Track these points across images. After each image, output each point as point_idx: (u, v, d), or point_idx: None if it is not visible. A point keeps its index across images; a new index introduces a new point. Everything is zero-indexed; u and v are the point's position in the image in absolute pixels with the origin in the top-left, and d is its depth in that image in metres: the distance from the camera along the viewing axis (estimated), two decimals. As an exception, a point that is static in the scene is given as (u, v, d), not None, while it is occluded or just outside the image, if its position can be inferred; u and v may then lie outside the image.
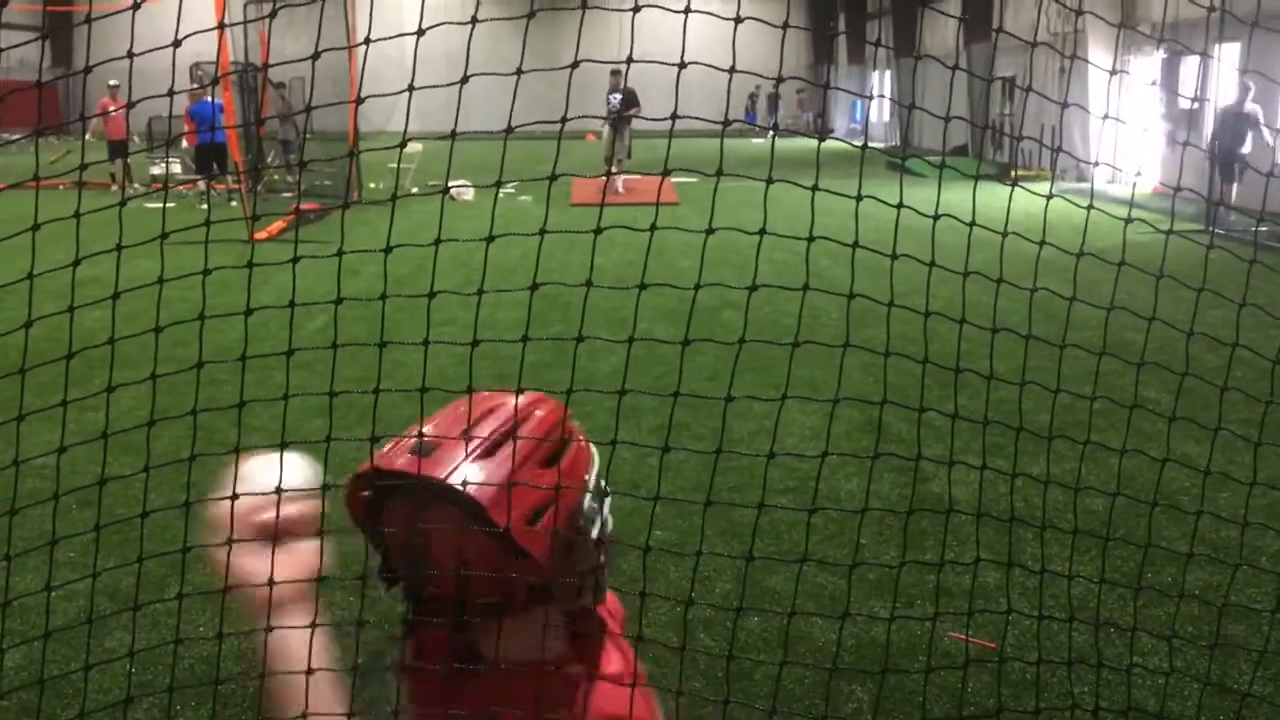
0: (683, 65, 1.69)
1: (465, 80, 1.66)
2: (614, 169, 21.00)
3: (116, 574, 4.49)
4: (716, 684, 3.79)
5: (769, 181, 2.09)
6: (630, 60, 1.69)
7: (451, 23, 1.63)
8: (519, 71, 1.65)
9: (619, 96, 21.07)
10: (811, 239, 1.97)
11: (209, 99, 18.04)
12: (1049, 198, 2.54)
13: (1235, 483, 4.15)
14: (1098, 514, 5.13)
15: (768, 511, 5.35)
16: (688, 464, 5.87)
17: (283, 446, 2.17)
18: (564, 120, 1.70)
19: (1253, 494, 4.58)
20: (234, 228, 12.49)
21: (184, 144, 19.29)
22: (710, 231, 1.82)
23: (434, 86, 1.78)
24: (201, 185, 20.06)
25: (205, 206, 17.21)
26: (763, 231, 1.85)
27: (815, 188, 1.95)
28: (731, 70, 1.77)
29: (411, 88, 1.77)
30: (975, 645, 4.04)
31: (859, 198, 2.07)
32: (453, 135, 1.81)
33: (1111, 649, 4.02)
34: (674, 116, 1.76)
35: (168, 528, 4.87)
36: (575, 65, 1.66)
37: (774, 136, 2.44)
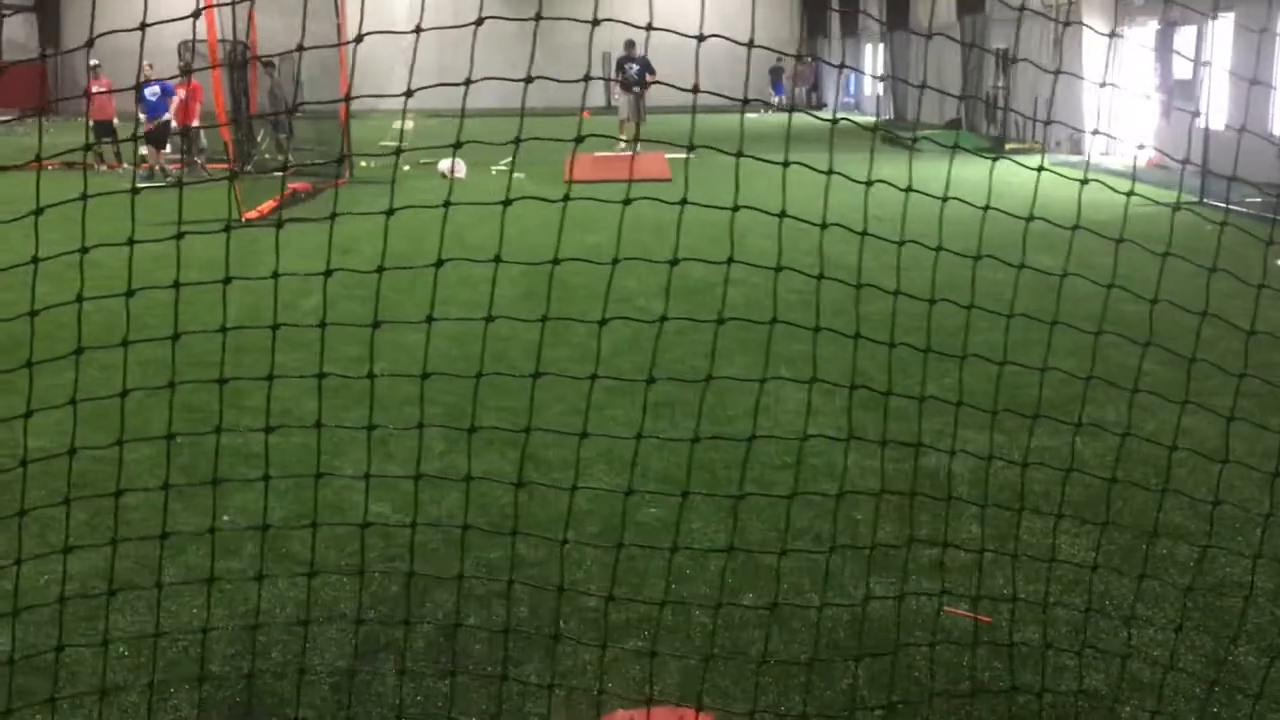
0: (655, 28, 1.67)
1: (414, 43, 1.64)
2: (628, 138, 21.01)
3: (110, 555, 4.49)
4: (711, 660, 3.79)
5: (739, 156, 2.07)
6: (599, 19, 1.67)
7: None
8: (475, 24, 1.63)
9: (635, 68, 21.16)
10: (783, 216, 1.95)
11: (155, 80, 18.35)
12: (1040, 170, 2.52)
13: (1231, 451, 4.18)
14: (1094, 487, 5.13)
15: (764, 487, 5.35)
16: (682, 441, 5.87)
17: (267, 429, 2.15)
18: (527, 78, 1.69)
19: (1244, 468, 4.58)
20: (223, 207, 12.40)
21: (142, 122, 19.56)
22: (682, 203, 1.81)
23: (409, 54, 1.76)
24: (187, 166, 19.98)
25: (209, 186, 17.14)
26: (736, 207, 1.84)
27: (785, 163, 1.93)
28: (696, 35, 1.75)
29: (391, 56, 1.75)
30: (972, 619, 4.05)
31: (829, 172, 2.05)
32: (421, 111, 1.79)
33: (1108, 622, 4.03)
34: (647, 83, 1.74)
35: (159, 509, 4.86)
36: (553, 26, 1.63)
37: (763, 113, 2.42)
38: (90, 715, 3.46)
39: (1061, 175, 3.12)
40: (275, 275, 2.75)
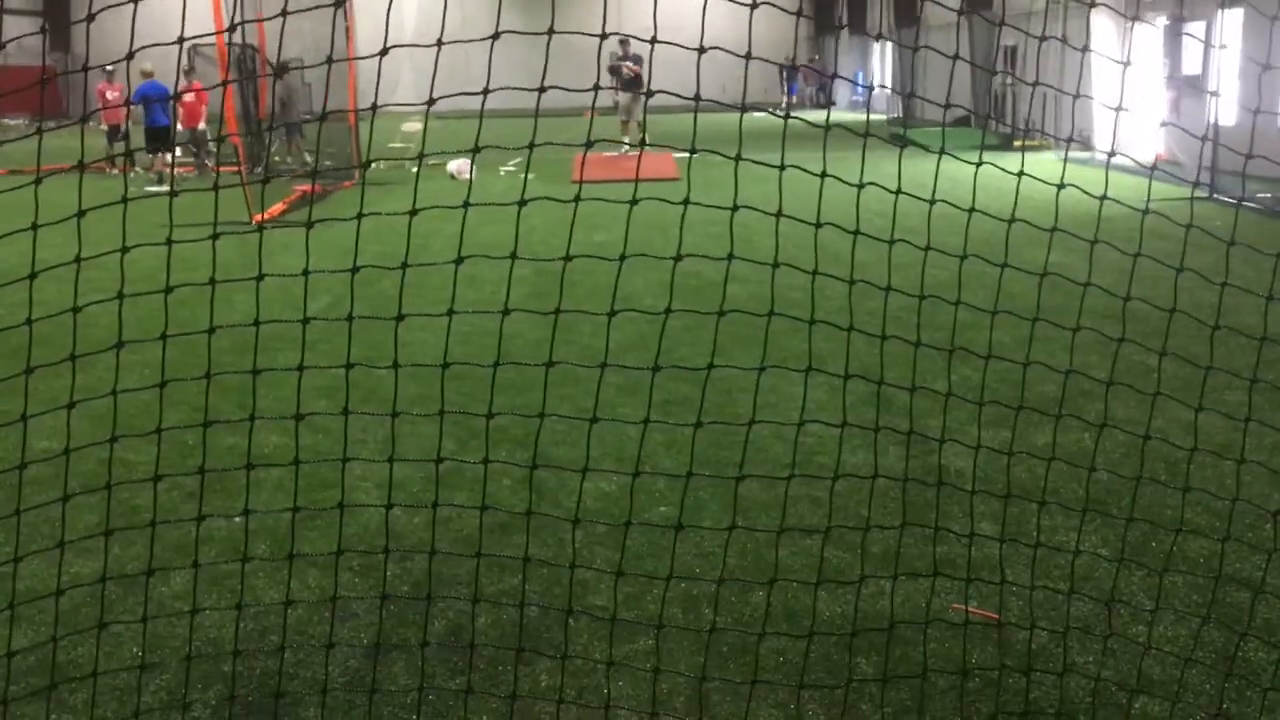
0: (653, 41, 1.68)
1: (389, 48, 1.65)
2: (631, 138, 20.98)
3: (122, 558, 4.52)
4: (722, 659, 3.80)
5: (695, 152, 2.08)
6: (605, 21, 1.68)
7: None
8: (491, 39, 1.64)
9: (629, 64, 21.12)
10: (736, 207, 1.96)
11: (155, 80, 18.44)
12: (1019, 175, 2.52)
13: (1237, 447, 4.18)
14: (1102, 483, 5.13)
15: (772, 485, 5.35)
16: (686, 425, 5.87)
17: (253, 417, 2.15)
18: (531, 86, 1.70)
19: (1247, 467, 4.58)
20: (232, 210, 12.46)
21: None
22: (666, 203, 1.82)
23: (369, 56, 1.77)
24: (198, 170, 20.07)
25: (211, 190, 17.24)
26: (735, 207, 1.85)
27: (781, 166, 1.95)
28: (697, 47, 1.76)
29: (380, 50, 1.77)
30: (979, 616, 4.05)
31: (823, 175, 2.06)
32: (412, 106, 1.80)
33: (1118, 619, 4.03)
34: (636, 73, 1.75)
35: (173, 510, 4.89)
36: (560, 25, 1.65)
37: (771, 112, 2.43)
38: (102, 715, 3.48)
39: (1034, 179, 3.13)
40: (259, 277, 2.77)
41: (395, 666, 3.76)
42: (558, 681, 3.63)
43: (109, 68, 20.02)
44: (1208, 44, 17.73)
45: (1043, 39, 3.17)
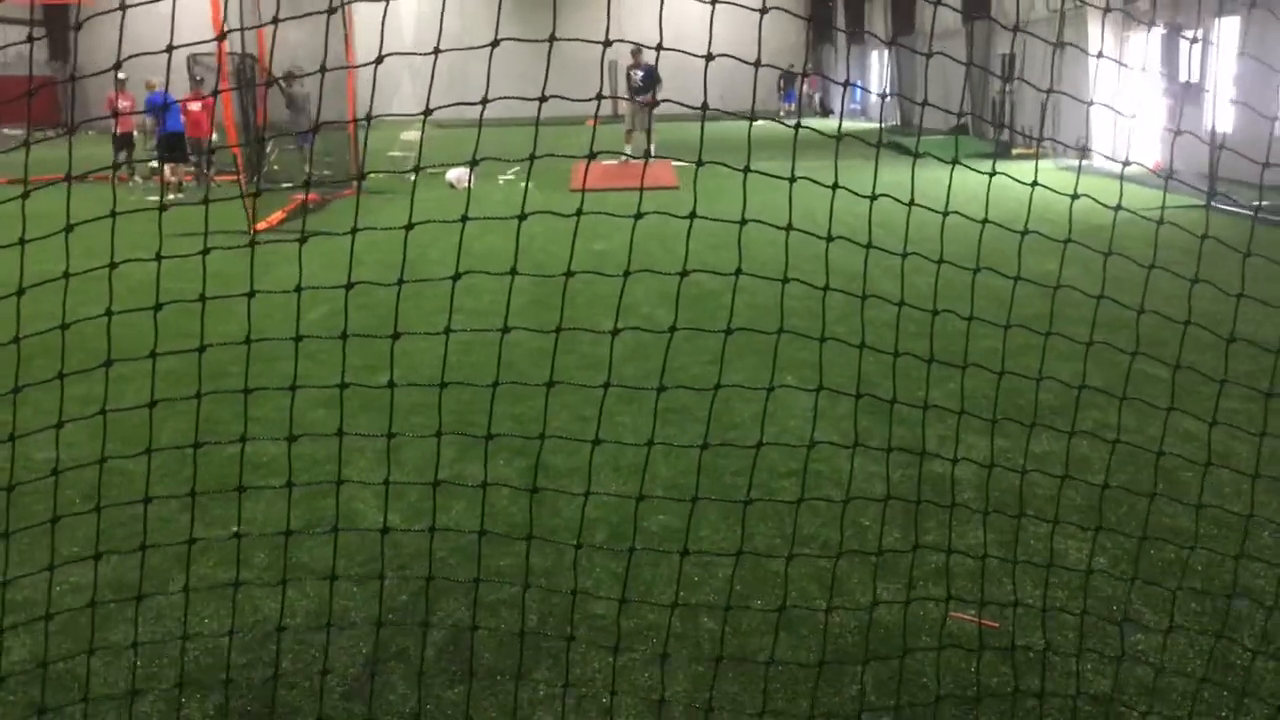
0: (659, 48, 1.69)
1: (384, 55, 1.66)
2: (646, 148, 20.96)
3: (120, 567, 4.51)
4: (721, 668, 3.80)
5: (746, 172, 2.09)
6: (610, 33, 1.69)
7: None
8: (490, 45, 1.65)
9: (641, 74, 21.11)
10: (745, 220, 1.97)
11: (161, 90, 18.49)
12: (1034, 185, 2.53)
13: (1236, 456, 4.19)
14: (1096, 492, 5.13)
15: (771, 491, 5.36)
16: (690, 447, 5.88)
17: (244, 440, 2.17)
18: (540, 98, 1.71)
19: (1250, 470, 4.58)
20: (234, 219, 12.48)
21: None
22: (691, 216, 1.83)
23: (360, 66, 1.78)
24: (198, 179, 20.08)
25: (213, 199, 17.21)
26: (743, 220, 1.86)
27: (792, 178, 1.95)
28: (704, 54, 1.77)
29: (379, 59, 1.78)
30: (980, 625, 4.05)
31: (835, 186, 2.07)
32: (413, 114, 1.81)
33: (1114, 626, 4.04)
34: (655, 100, 1.76)
35: (171, 520, 4.89)
36: (561, 34, 1.66)
37: (754, 121, 2.44)
38: (102, 724, 3.48)
39: (1016, 179, 3.14)
40: (251, 293, 2.78)
41: (394, 676, 3.76)
42: (557, 691, 3.63)
43: (121, 76, 20.02)
44: (1205, 51, 17.76)
45: (1063, 43, 3.18)
